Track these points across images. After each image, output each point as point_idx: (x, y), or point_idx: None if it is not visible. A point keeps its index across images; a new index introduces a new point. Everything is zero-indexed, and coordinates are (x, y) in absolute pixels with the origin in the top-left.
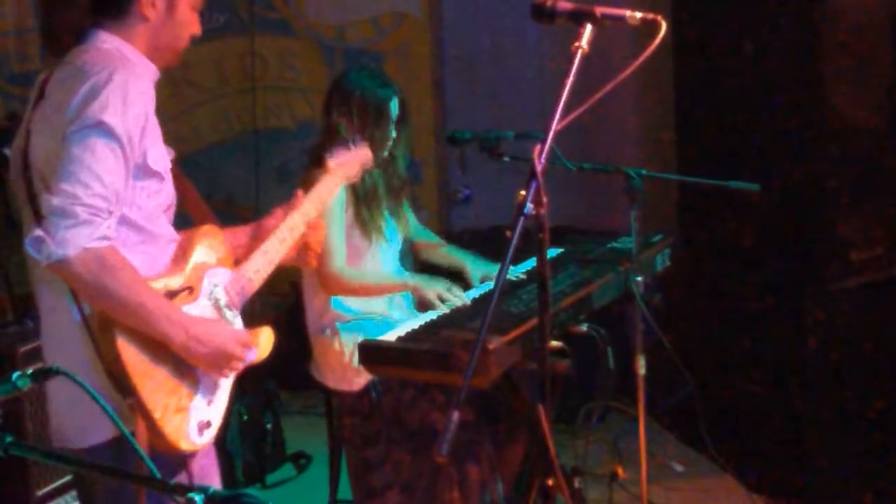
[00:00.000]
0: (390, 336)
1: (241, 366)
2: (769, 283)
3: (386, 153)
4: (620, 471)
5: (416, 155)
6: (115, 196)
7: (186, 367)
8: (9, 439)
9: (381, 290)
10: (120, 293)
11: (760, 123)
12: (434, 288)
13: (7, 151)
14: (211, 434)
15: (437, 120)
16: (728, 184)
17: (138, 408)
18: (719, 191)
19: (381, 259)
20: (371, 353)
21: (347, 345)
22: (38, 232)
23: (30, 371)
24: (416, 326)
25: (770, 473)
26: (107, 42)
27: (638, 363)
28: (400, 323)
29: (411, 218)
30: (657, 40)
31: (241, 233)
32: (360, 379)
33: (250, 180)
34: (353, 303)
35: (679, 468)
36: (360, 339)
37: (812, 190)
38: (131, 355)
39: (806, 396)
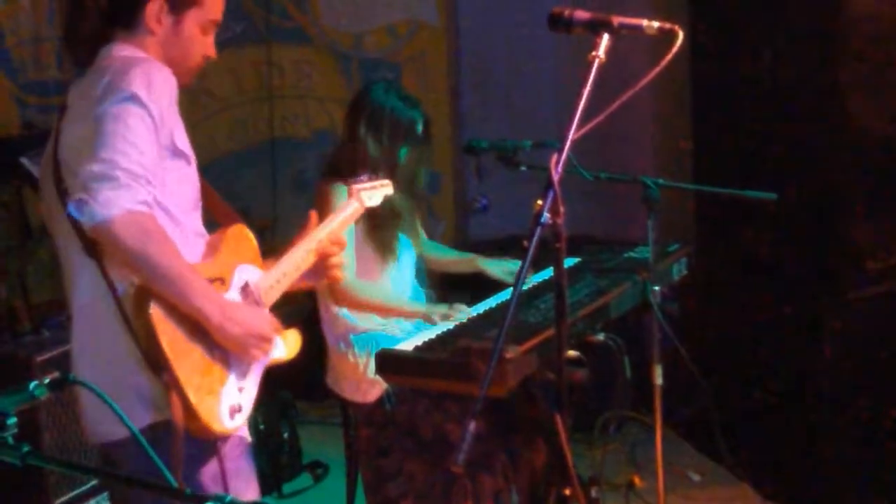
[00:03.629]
0: (407, 345)
1: (270, 349)
2: (786, 292)
3: (409, 172)
4: (637, 480)
5: (433, 165)
6: (151, 165)
7: (219, 350)
8: (26, 449)
9: (389, 312)
10: (161, 261)
11: (777, 133)
12: (438, 310)
13: (24, 161)
14: (242, 419)
15: (454, 129)
16: (745, 193)
17: (172, 384)
18: (736, 200)
19: (393, 276)
20: (388, 362)
21: (361, 356)
22: (81, 195)
23: (47, 380)
24: (432, 336)
25: (786, 483)
26: (122, 51)
27: (655, 373)
28: (412, 334)
29: (422, 234)
30: (674, 49)
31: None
32: (375, 390)
33: (266, 189)
34: (364, 314)
35: (696, 478)
36: (373, 350)
37: (829, 199)
38: (166, 330)
39: (822, 406)
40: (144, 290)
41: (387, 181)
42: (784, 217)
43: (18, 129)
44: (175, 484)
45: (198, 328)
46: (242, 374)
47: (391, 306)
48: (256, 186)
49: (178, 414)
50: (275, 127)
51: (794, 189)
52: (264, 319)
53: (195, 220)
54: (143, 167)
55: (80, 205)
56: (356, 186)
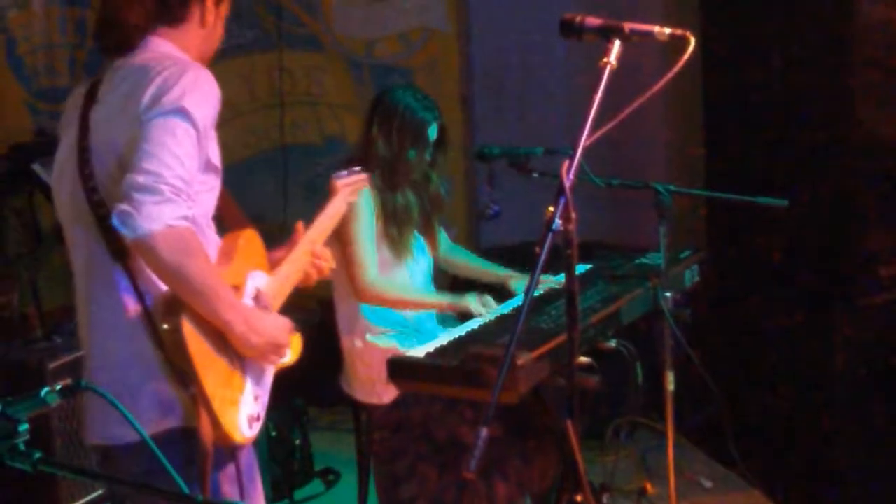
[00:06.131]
0: (419, 351)
1: (285, 355)
2: (798, 298)
3: (419, 175)
4: (649, 487)
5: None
6: (191, 179)
7: (238, 360)
8: (37, 455)
9: (414, 305)
10: (196, 275)
11: (789, 139)
12: (465, 301)
13: (36, 167)
14: (258, 427)
15: (466, 136)
16: (756, 199)
17: (200, 397)
18: (748, 206)
19: (408, 275)
20: (400, 368)
21: (377, 357)
22: (125, 206)
23: (58, 387)
24: (444, 342)
25: (798, 490)
26: (161, 46)
27: (666, 379)
28: (430, 333)
29: (443, 237)
30: (686, 56)
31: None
32: (390, 392)
33: (278, 196)
34: (383, 311)
35: (707, 484)
36: (390, 351)
37: (841, 205)
38: (196, 344)
39: (834, 412)
40: (176, 303)
41: (363, 175)
42: (796, 223)
43: (31, 135)
44: (186, 489)
45: (221, 339)
46: (257, 382)
47: (415, 301)
48: (268, 193)
49: (205, 428)
50: (286, 133)
51: (807, 195)
52: (282, 327)
53: (212, 227)
54: (185, 182)
55: (123, 217)
56: (339, 182)
